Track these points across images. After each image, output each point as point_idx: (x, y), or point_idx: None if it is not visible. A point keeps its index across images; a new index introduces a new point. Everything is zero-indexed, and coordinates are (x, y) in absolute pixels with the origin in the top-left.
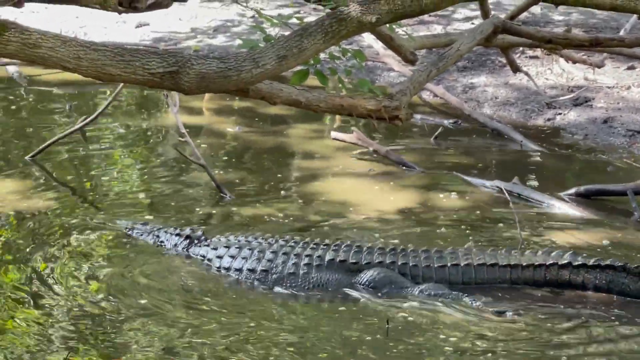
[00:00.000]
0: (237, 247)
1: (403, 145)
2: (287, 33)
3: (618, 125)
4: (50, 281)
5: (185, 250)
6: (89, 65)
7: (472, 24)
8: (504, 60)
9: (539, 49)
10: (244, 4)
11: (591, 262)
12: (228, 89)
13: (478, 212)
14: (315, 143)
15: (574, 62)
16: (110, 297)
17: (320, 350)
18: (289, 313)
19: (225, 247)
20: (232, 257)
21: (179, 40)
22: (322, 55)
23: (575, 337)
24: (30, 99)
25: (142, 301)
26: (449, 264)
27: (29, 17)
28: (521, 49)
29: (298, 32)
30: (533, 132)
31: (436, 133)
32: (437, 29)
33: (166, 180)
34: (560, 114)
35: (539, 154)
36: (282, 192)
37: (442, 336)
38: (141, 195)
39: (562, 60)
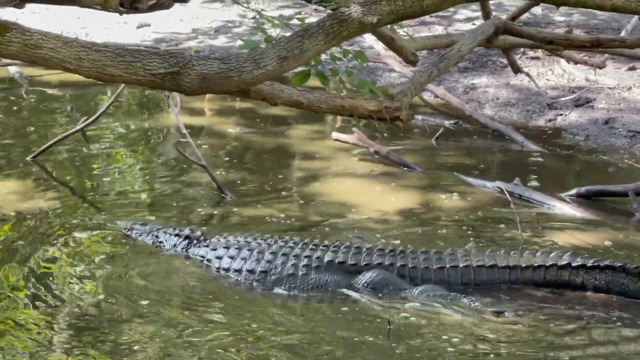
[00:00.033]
0: (236, 248)
1: (404, 146)
2: (288, 34)
3: (619, 126)
4: (50, 281)
5: (184, 250)
6: (90, 66)
7: (473, 24)
8: (505, 61)
9: (540, 50)
10: (245, 5)
11: (590, 262)
12: (229, 89)
13: (479, 212)
14: (316, 144)
15: (575, 62)
16: (109, 297)
17: (321, 351)
18: (288, 314)
19: (225, 247)
20: (232, 257)
21: (180, 41)
22: (323, 56)
23: (576, 338)
24: (32, 100)
25: (141, 302)
26: (447, 266)
27: (30, 17)
28: (522, 49)
29: (299, 33)
30: (534, 132)
31: (437, 134)
32: (438, 29)
33: (167, 181)
34: (561, 114)
35: (540, 154)
36: (283, 192)
37: (444, 337)
38: (142, 196)
39: (563, 61)
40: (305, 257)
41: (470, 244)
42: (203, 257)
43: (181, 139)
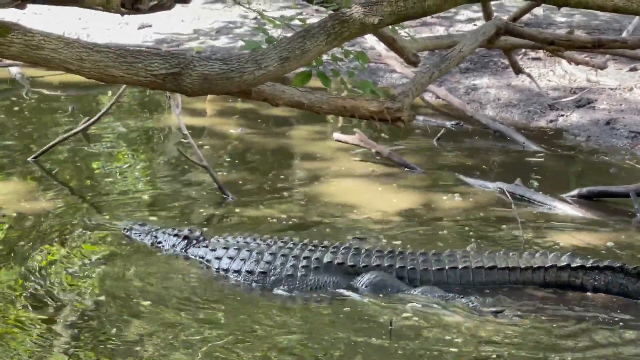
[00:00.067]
0: (235, 249)
1: (405, 146)
2: (289, 35)
3: (620, 126)
4: (50, 281)
5: (183, 251)
6: (91, 66)
7: (475, 25)
8: (506, 61)
9: (541, 51)
10: (247, 6)
11: (589, 263)
12: (230, 90)
13: (480, 213)
14: (317, 144)
15: (577, 63)
16: (109, 297)
17: (321, 352)
18: (287, 315)
19: (224, 248)
20: (231, 258)
21: (181, 41)
22: (324, 57)
23: (577, 340)
24: (33, 100)
25: (141, 302)
26: (447, 267)
27: (32, 18)
28: (524, 50)
29: (300, 34)
30: (535, 133)
31: (438, 134)
32: (440, 30)
33: (168, 181)
34: (562, 115)
35: (542, 155)
36: (285, 193)
37: (446, 338)
38: (143, 196)
39: (564, 61)
40: (304, 258)
41: (471, 245)
42: (202, 257)
43: (182, 140)
